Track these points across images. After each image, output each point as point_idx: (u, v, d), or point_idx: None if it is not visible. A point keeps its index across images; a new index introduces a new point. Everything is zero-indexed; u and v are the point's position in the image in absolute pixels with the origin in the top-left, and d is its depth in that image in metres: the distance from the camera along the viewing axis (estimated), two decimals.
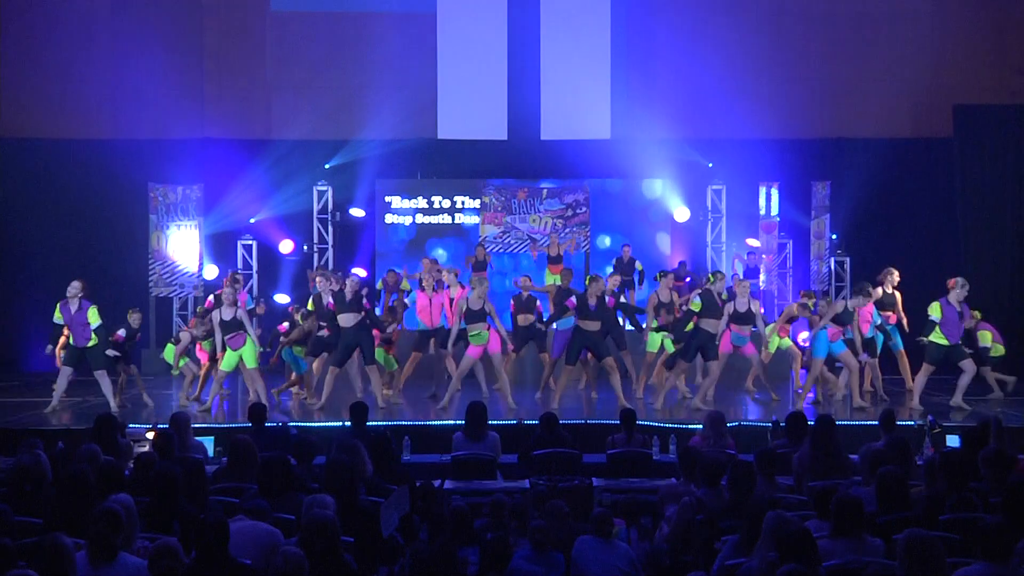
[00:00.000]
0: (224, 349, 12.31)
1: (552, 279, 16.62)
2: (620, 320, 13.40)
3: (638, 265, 16.53)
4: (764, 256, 17.49)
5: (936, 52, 17.79)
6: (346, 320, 12.30)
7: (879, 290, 13.22)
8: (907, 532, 5.14)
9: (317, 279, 13.46)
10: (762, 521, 5.59)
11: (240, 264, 17.73)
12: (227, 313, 12.28)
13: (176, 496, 6.31)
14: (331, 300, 12.50)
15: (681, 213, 17.80)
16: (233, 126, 18.24)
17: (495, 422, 10.27)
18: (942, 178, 17.35)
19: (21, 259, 17.50)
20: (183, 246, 17.18)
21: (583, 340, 12.50)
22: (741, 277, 14.56)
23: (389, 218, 18.11)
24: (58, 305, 12.38)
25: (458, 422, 10.26)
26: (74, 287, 12.32)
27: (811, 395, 13.14)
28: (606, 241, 18.24)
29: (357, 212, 17.75)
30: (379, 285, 15.42)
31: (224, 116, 18.27)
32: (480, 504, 7.33)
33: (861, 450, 7.74)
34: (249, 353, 12.30)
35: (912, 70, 17.90)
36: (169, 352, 13.61)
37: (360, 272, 16.30)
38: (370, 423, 9.74)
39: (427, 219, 18.07)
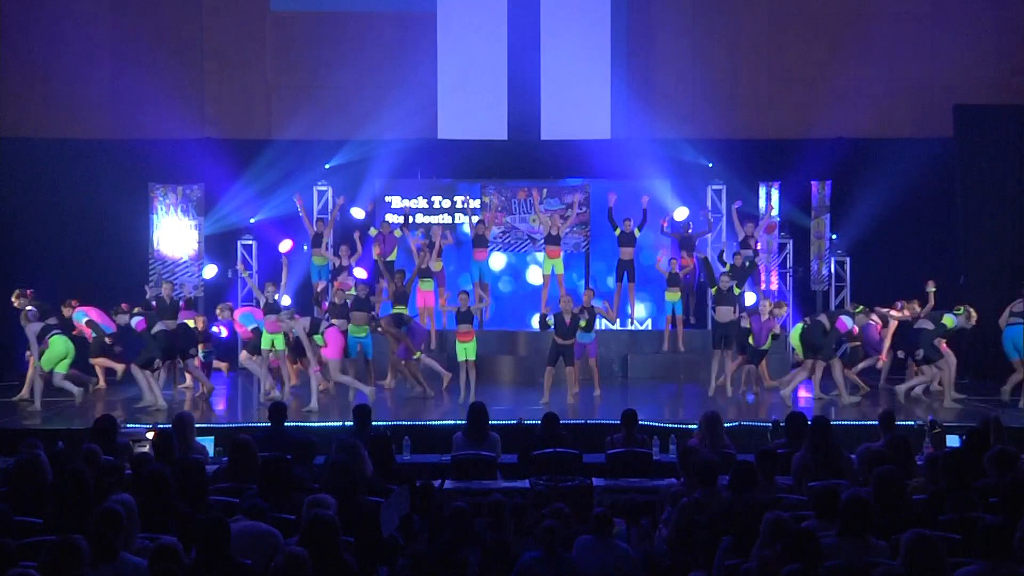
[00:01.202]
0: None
1: (550, 264, 16.44)
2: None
3: (637, 231, 16.23)
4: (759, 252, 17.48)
5: (936, 52, 17.77)
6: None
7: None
8: (911, 532, 5.14)
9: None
10: (759, 522, 5.59)
11: (240, 264, 17.70)
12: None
13: (168, 496, 6.29)
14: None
15: (681, 213, 17.79)
16: (233, 126, 18.21)
17: (495, 422, 10.28)
18: (942, 178, 17.32)
19: (21, 259, 17.47)
20: (183, 246, 17.16)
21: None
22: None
23: (389, 218, 18.08)
24: None
25: (458, 422, 10.27)
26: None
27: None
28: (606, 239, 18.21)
29: (357, 212, 17.72)
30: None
31: (224, 116, 18.24)
32: (480, 504, 7.33)
33: (859, 450, 7.75)
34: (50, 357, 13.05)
35: (912, 70, 17.87)
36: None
37: (360, 273, 16.29)
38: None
39: (427, 219, 18.05)
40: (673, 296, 16.03)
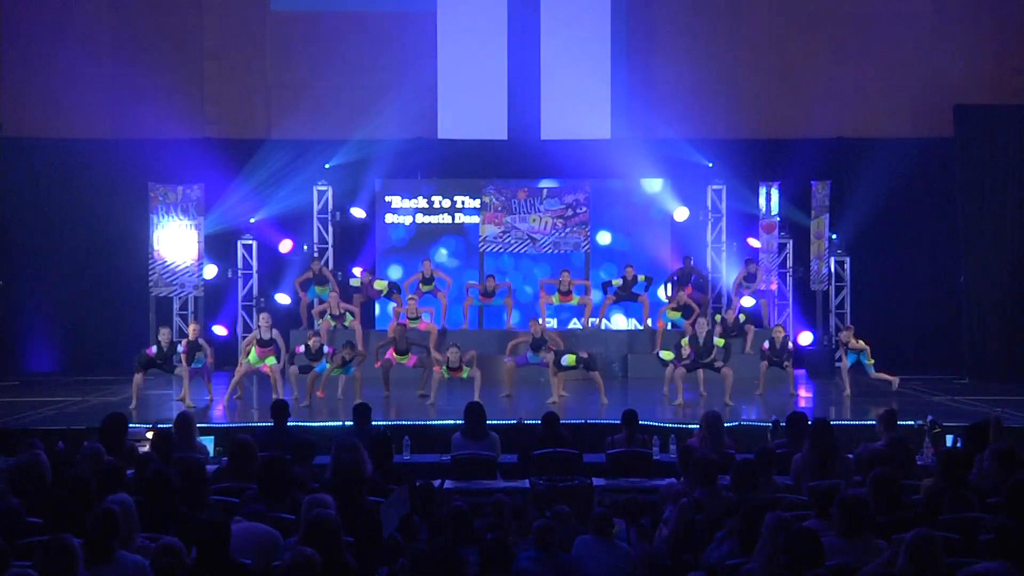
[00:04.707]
0: None
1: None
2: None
3: (641, 277, 16.31)
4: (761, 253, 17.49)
5: (936, 52, 17.77)
6: None
7: None
8: (914, 532, 5.12)
9: None
10: (760, 522, 5.59)
11: (240, 264, 17.73)
12: None
13: (171, 496, 6.28)
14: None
15: (681, 213, 17.80)
16: (232, 126, 18.23)
17: (495, 422, 10.28)
18: (942, 178, 17.34)
19: (21, 259, 17.49)
20: (183, 246, 17.16)
21: None
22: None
23: (389, 218, 18.10)
24: None
25: (458, 422, 10.26)
26: None
27: None
28: (607, 238, 18.20)
29: (357, 212, 17.74)
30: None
31: (224, 116, 18.26)
32: (480, 504, 7.33)
33: (858, 450, 7.73)
34: None
35: (912, 70, 17.89)
36: None
37: (357, 273, 16.38)
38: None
39: (427, 219, 18.06)
40: (675, 315, 15.99)
